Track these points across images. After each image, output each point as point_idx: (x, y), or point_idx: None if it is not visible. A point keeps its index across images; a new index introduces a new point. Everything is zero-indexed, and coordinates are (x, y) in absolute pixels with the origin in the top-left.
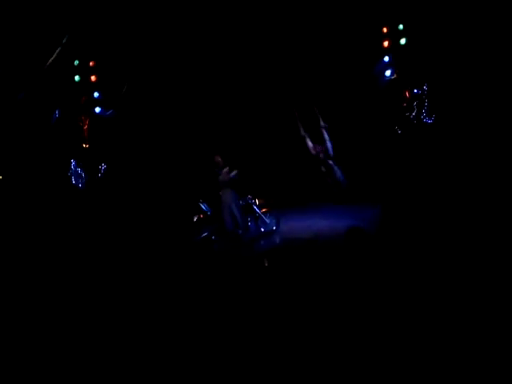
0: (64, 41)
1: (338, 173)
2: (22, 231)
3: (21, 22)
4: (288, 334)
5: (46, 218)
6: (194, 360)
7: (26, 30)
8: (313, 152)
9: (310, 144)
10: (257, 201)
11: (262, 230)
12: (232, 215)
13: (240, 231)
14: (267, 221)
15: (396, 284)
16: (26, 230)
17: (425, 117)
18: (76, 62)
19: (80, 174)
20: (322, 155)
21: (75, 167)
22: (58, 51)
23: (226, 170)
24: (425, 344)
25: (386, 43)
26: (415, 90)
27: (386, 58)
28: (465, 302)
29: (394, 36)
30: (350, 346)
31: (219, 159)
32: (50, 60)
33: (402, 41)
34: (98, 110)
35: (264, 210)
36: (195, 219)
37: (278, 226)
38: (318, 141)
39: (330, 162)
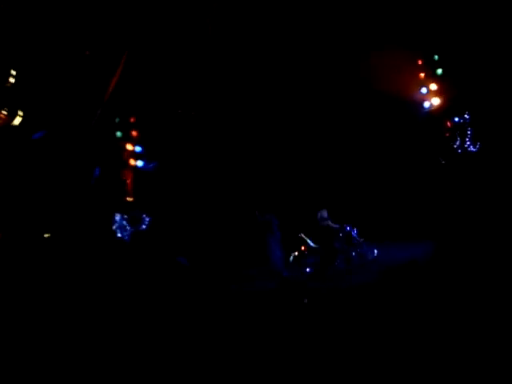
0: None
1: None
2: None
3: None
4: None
5: (93, 271)
6: None
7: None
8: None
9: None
10: (355, 230)
11: (363, 258)
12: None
13: (285, 273)
14: (366, 250)
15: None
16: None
17: (469, 145)
18: (117, 119)
19: (125, 227)
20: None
21: (120, 220)
22: (98, 113)
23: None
24: None
25: (422, 75)
26: (456, 119)
27: (424, 90)
28: None
29: (431, 67)
30: None
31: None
32: (93, 121)
33: (439, 71)
34: (140, 163)
35: (361, 240)
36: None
37: (375, 255)
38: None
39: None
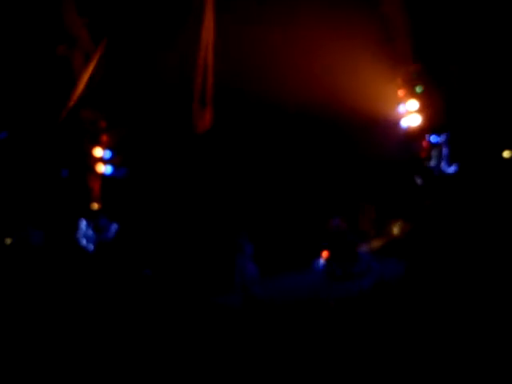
0: None
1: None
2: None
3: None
4: None
5: (55, 281)
6: None
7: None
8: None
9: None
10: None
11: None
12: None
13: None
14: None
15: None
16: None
17: (445, 166)
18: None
19: (90, 236)
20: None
21: (86, 228)
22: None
23: None
24: None
25: (400, 92)
26: (432, 139)
27: (402, 108)
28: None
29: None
30: None
31: None
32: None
33: (418, 89)
34: (109, 169)
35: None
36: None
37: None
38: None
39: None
